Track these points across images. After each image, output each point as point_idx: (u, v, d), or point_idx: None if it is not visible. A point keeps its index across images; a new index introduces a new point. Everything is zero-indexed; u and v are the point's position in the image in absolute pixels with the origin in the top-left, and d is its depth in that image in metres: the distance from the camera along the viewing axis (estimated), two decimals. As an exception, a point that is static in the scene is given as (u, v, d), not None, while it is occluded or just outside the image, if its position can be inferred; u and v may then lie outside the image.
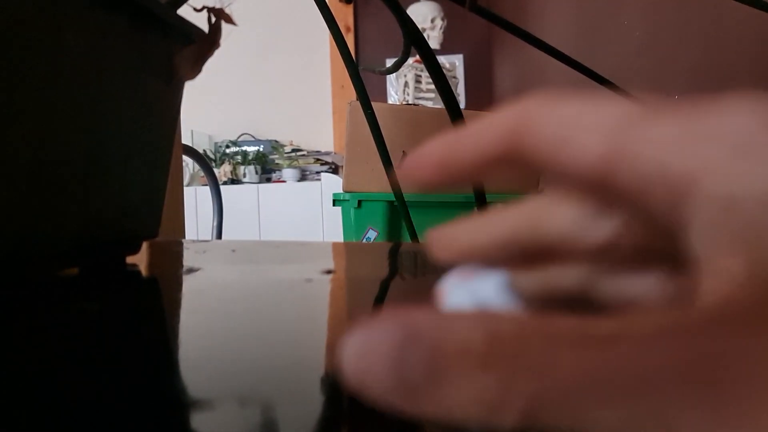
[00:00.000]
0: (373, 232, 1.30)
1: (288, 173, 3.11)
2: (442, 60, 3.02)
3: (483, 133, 0.17)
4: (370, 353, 0.11)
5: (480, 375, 0.11)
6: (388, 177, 0.84)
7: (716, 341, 0.10)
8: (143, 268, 0.47)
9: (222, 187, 1.57)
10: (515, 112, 0.16)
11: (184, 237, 1.08)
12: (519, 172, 0.17)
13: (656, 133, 0.13)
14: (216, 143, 3.36)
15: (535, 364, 0.10)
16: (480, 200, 0.76)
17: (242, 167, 3.13)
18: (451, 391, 0.11)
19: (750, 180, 0.12)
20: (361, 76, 0.77)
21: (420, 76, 2.79)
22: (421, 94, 2.81)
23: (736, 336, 0.10)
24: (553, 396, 0.10)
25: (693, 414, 0.10)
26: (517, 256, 0.18)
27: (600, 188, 0.15)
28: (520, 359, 0.11)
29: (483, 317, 0.11)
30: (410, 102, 2.75)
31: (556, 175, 0.15)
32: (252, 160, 3.18)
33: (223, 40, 0.49)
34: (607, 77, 0.74)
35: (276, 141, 3.33)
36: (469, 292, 0.17)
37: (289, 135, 3.37)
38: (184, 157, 1.46)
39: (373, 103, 0.82)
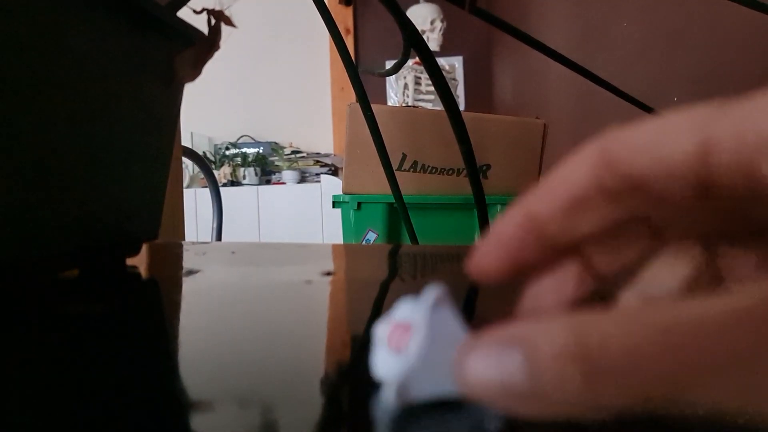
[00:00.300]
0: (372, 233, 1.30)
1: (288, 175, 3.11)
2: (442, 62, 3.03)
3: (569, 172, 0.17)
4: (490, 371, 0.13)
5: (576, 374, 0.12)
6: (388, 179, 0.84)
7: None
8: (143, 270, 0.47)
9: (222, 189, 1.57)
10: (596, 144, 0.16)
11: (184, 239, 1.08)
12: (613, 203, 0.17)
13: (747, 108, 0.14)
14: (216, 145, 3.36)
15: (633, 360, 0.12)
16: (480, 202, 0.76)
17: (242, 169, 3.13)
18: (570, 389, 0.12)
19: None
20: (361, 78, 0.77)
21: (419, 78, 2.79)
22: (421, 96, 2.81)
23: None
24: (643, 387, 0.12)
25: None
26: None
27: (698, 182, 0.15)
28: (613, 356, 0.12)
29: (572, 323, 0.13)
30: (410, 104, 2.75)
31: (652, 183, 0.15)
32: (252, 162, 3.18)
33: (223, 42, 0.48)
34: (606, 80, 0.74)
35: (276, 143, 3.33)
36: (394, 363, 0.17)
37: (288, 137, 3.37)
38: (184, 159, 1.46)
39: (372, 105, 0.82)
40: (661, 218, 0.18)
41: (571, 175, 0.17)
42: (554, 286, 0.19)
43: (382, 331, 0.18)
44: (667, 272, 0.19)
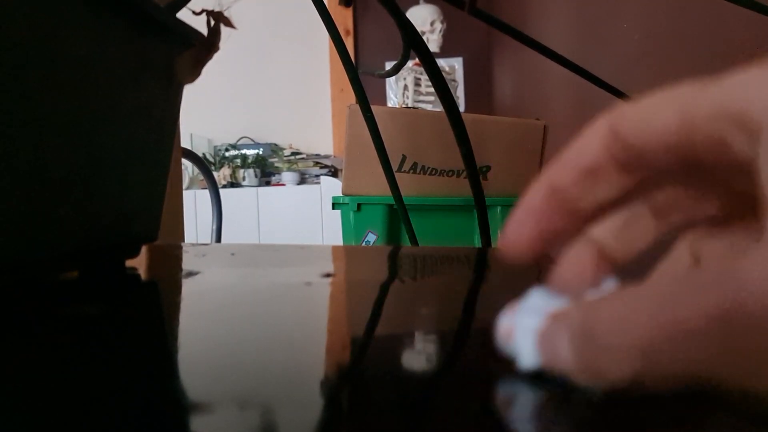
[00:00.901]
0: (372, 235, 1.30)
1: (287, 176, 3.11)
2: (442, 63, 3.03)
3: (583, 144, 0.19)
4: (554, 341, 0.17)
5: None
6: (387, 180, 0.84)
7: None
8: (143, 272, 0.46)
9: (221, 191, 1.57)
10: (605, 117, 0.18)
11: (184, 240, 1.08)
12: (623, 173, 0.18)
13: (723, 87, 0.15)
14: (215, 147, 3.36)
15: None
16: (480, 203, 0.76)
17: (242, 170, 3.13)
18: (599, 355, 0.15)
19: None
20: (361, 80, 0.77)
21: (419, 79, 2.79)
22: (421, 98, 2.81)
23: None
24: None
25: None
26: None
27: (684, 155, 0.16)
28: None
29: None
30: (410, 105, 2.75)
31: (647, 153, 0.17)
32: (251, 163, 3.18)
33: (222, 44, 0.48)
34: (606, 81, 0.74)
35: (275, 144, 3.34)
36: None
37: (288, 138, 3.37)
38: (184, 161, 1.46)
39: (372, 107, 0.82)
40: (664, 200, 0.20)
41: (585, 146, 0.18)
42: (573, 276, 0.20)
43: (531, 322, 0.18)
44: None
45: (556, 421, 0.17)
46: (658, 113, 0.16)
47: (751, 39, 0.80)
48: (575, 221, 0.19)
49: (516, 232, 0.19)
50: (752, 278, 0.12)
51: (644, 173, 0.18)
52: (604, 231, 0.20)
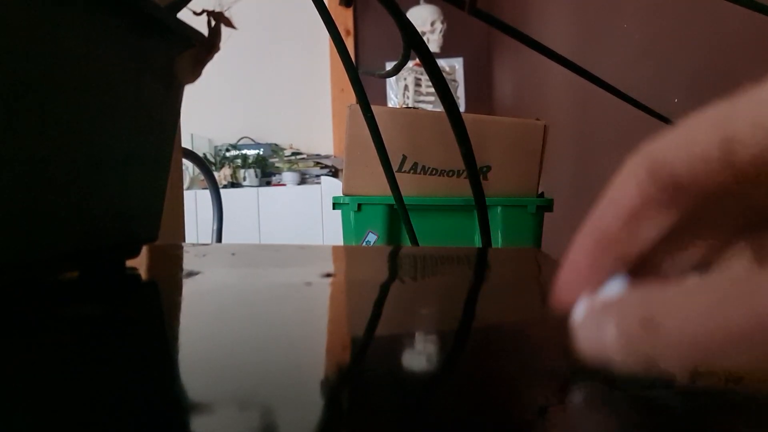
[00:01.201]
0: (373, 235, 1.30)
1: (288, 176, 3.11)
2: (442, 63, 3.03)
3: (618, 190, 0.18)
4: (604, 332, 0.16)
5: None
6: (388, 180, 0.84)
7: None
8: (143, 272, 0.46)
9: (222, 191, 1.56)
10: (635, 158, 0.18)
11: (184, 241, 1.08)
12: (664, 209, 0.18)
13: (753, 98, 0.15)
14: (216, 147, 3.36)
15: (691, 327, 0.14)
16: (480, 203, 0.76)
17: (242, 171, 3.13)
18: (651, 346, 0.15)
19: None
20: (361, 80, 0.77)
21: (420, 79, 2.79)
22: (421, 98, 2.81)
23: None
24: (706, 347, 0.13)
25: None
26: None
27: (730, 176, 0.16)
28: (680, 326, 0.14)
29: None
30: (410, 105, 2.75)
31: (691, 183, 0.17)
32: (252, 163, 3.18)
33: (223, 44, 0.48)
34: (606, 81, 0.74)
35: (276, 144, 3.33)
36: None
37: (289, 138, 3.37)
38: (184, 161, 1.46)
39: (372, 107, 0.82)
40: (708, 218, 0.19)
41: (621, 192, 0.18)
42: None
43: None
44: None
45: (553, 421, 0.16)
46: (695, 137, 0.16)
47: (752, 39, 0.80)
48: (624, 266, 0.19)
49: (567, 290, 0.19)
50: None
51: (687, 205, 0.18)
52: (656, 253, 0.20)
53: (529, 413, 0.17)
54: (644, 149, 0.17)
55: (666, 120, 0.74)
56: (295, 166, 3.19)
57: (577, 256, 0.19)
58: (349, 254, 0.61)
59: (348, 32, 3.21)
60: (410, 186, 1.25)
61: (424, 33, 2.82)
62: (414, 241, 0.90)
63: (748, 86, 0.15)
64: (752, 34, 0.80)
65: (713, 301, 0.14)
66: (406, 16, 0.69)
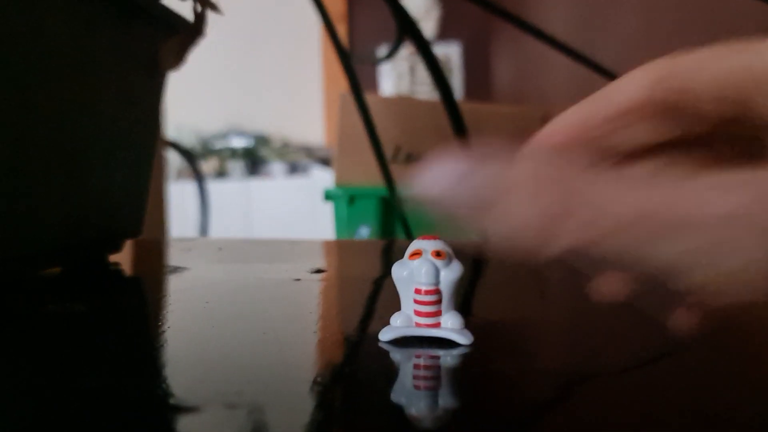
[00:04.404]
0: (365, 228, 1.28)
1: (277, 167, 3.09)
2: (438, 50, 3.00)
3: (625, 84, 0.18)
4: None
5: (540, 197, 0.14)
6: (381, 171, 0.82)
7: None
8: (127, 268, 0.45)
9: (209, 183, 1.54)
10: (650, 65, 0.18)
11: (169, 235, 1.07)
12: (660, 119, 0.18)
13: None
14: (203, 137, 3.32)
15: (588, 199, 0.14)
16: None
17: (230, 162, 3.10)
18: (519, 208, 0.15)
19: None
20: (354, 67, 0.75)
21: (415, 66, 2.77)
22: (416, 87, 2.79)
23: None
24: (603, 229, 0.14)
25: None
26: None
27: (739, 107, 0.16)
28: (574, 193, 0.14)
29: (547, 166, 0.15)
30: (405, 93, 2.73)
31: (703, 102, 0.17)
32: (240, 154, 3.15)
33: (209, 30, 0.47)
34: (606, 67, 0.73)
35: (265, 135, 3.31)
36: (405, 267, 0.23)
37: (278, 128, 3.34)
38: (170, 153, 1.44)
39: (365, 95, 0.80)
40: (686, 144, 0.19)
41: (627, 86, 0.18)
42: None
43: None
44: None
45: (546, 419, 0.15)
46: (719, 62, 0.16)
47: (754, 25, 0.79)
48: (602, 159, 0.18)
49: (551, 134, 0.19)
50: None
51: (688, 124, 0.18)
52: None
53: (527, 411, 0.17)
54: (662, 60, 0.17)
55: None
56: (285, 156, 3.17)
57: (556, 127, 0.19)
58: (340, 249, 0.60)
59: (340, 17, 3.17)
60: (405, 177, 1.23)
61: (419, 19, 2.80)
62: (408, 234, 0.89)
63: None
64: (755, 20, 0.79)
65: (621, 192, 0.14)
66: (399, 1, 0.67)
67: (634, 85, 0.18)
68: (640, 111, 0.18)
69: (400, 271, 0.23)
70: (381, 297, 0.34)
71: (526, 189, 0.15)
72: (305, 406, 0.17)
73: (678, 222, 0.13)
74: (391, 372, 0.21)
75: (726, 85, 0.16)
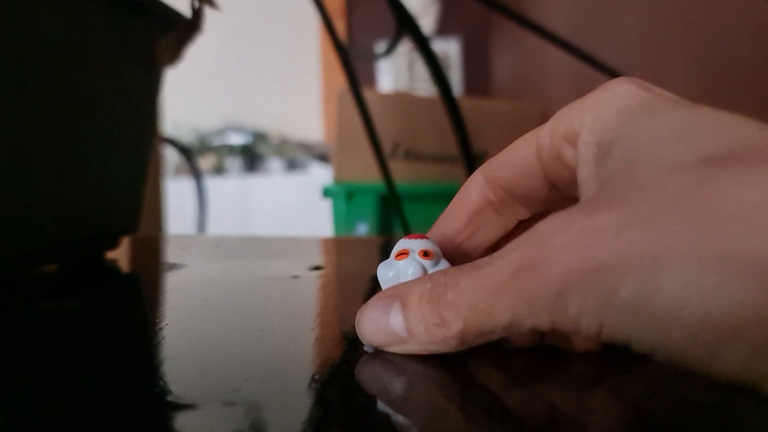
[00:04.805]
0: (364, 225, 1.28)
1: (275, 164, 3.08)
2: (437, 46, 2.99)
3: (464, 194, 0.24)
4: (371, 319, 0.21)
5: (429, 307, 0.19)
6: (380, 167, 0.82)
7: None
8: (124, 265, 0.45)
9: (207, 179, 1.54)
10: (478, 170, 0.24)
11: (166, 232, 1.07)
12: (500, 213, 0.24)
13: (556, 116, 0.21)
14: (201, 134, 3.31)
15: (458, 298, 0.18)
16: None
17: (228, 159, 3.10)
18: (414, 323, 0.19)
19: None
20: (353, 63, 0.75)
21: (414, 62, 2.77)
22: (416, 83, 2.79)
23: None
24: (474, 312, 0.18)
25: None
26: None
27: (545, 178, 0.22)
28: (448, 296, 0.18)
29: (430, 278, 0.20)
30: (404, 89, 2.73)
31: (518, 187, 0.23)
32: (238, 151, 3.14)
33: (206, 26, 0.47)
34: (606, 64, 0.73)
35: (263, 131, 3.30)
36: (392, 268, 0.23)
37: (276, 125, 3.34)
38: (168, 149, 1.44)
39: (364, 91, 0.80)
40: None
41: (466, 196, 0.24)
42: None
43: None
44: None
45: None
46: (519, 150, 0.22)
47: (753, 21, 0.78)
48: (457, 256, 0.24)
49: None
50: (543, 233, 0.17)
51: (516, 211, 0.23)
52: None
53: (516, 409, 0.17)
54: (486, 162, 0.23)
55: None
56: (284, 153, 3.16)
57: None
58: (338, 246, 0.60)
59: (339, 12, 3.16)
60: (404, 173, 1.23)
61: (418, 15, 2.79)
62: (407, 231, 0.89)
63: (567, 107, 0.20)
64: (752, 18, 0.79)
65: (483, 274, 0.18)
66: (397, -3, 0.67)
67: (473, 193, 0.23)
68: (483, 213, 0.23)
69: (386, 272, 0.23)
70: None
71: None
72: (303, 403, 0.17)
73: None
74: (390, 370, 0.21)
75: (526, 167, 0.21)
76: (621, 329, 0.15)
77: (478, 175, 0.23)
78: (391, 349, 0.20)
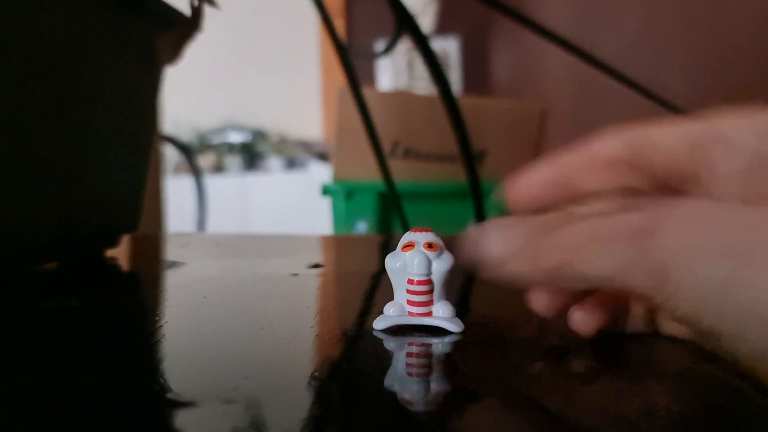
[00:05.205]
0: (364, 223, 1.28)
1: (275, 162, 3.08)
2: (437, 44, 2.99)
3: (605, 141, 0.23)
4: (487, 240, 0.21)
5: (541, 240, 0.19)
6: (379, 166, 0.82)
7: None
8: (123, 263, 0.45)
9: (207, 178, 1.54)
10: (626, 130, 0.22)
11: (166, 230, 1.06)
12: (626, 172, 0.23)
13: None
14: (200, 132, 3.31)
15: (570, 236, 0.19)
16: (475, 190, 0.74)
17: (227, 157, 3.09)
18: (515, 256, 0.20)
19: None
20: (352, 61, 0.75)
21: (413, 60, 2.77)
22: (415, 82, 2.79)
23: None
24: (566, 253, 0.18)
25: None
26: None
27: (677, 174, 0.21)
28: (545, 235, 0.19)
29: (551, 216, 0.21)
30: (403, 88, 2.73)
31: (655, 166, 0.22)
32: (237, 149, 3.14)
33: (206, 24, 0.47)
34: (606, 62, 0.73)
35: (262, 129, 3.29)
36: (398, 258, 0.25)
37: (276, 123, 3.33)
38: (167, 148, 1.44)
39: (363, 89, 0.80)
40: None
41: (595, 143, 0.23)
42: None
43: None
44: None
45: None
46: (674, 143, 0.21)
47: (753, 20, 0.78)
48: (567, 199, 0.23)
49: (524, 187, 0.24)
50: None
51: (646, 178, 0.22)
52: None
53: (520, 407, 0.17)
54: (628, 128, 0.22)
55: (665, 103, 0.73)
56: (283, 151, 3.16)
57: (537, 172, 0.24)
58: (338, 244, 0.60)
59: (338, 11, 3.16)
60: (403, 172, 1.23)
61: (418, 13, 2.79)
62: (406, 229, 0.89)
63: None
64: (751, 17, 0.79)
65: (584, 225, 0.18)
66: (397, -5, 0.67)
67: (609, 144, 0.23)
68: (609, 163, 0.23)
69: (393, 262, 0.25)
70: (378, 292, 0.34)
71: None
72: (303, 401, 0.17)
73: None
74: (388, 367, 0.21)
75: (672, 156, 0.21)
76: (711, 315, 0.16)
77: (623, 135, 0.22)
78: (492, 273, 0.20)
